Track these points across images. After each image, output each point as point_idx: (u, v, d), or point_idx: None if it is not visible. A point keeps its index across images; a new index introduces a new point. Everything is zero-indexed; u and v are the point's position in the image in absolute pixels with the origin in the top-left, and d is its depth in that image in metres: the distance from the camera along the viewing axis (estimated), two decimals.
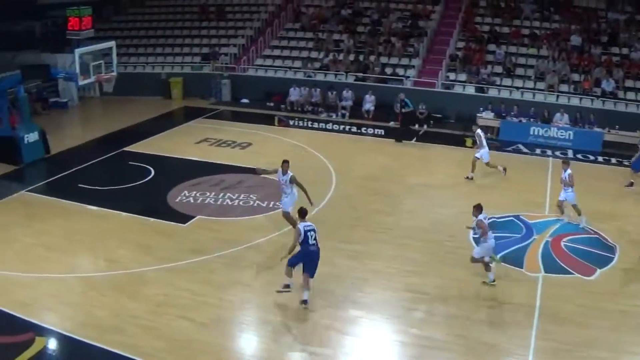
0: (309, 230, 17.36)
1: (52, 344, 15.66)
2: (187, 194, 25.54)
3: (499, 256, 19.21)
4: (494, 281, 18.64)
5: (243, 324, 16.83)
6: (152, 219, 23.31)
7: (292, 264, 17.40)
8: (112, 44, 31.05)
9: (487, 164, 27.81)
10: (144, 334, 15.91)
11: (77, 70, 28.31)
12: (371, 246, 21.14)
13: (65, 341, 15.69)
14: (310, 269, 17.35)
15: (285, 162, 21.09)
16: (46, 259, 19.98)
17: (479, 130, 28.13)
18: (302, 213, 17.97)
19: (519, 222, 23.14)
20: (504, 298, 17.91)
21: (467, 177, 27.52)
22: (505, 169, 27.97)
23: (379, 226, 22.80)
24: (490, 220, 22.74)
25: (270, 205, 24.26)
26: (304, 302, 17.19)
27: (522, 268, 19.68)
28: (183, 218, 23.39)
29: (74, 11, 29.07)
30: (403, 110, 34.90)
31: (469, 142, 32.57)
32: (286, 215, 21.45)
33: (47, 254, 20.35)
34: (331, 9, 47.02)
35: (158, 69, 44.62)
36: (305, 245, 17.30)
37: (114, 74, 30.89)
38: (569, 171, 22.93)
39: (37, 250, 20.63)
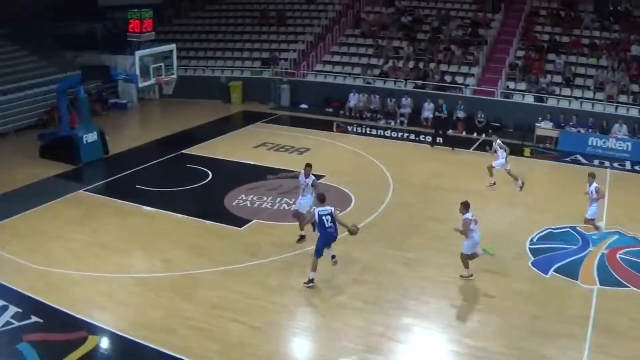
0: (324, 215, 18.24)
1: (104, 343, 15.96)
2: (244, 198, 25.73)
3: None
4: (471, 275, 19.30)
5: (295, 329, 16.86)
6: (208, 222, 23.51)
7: (317, 252, 18.32)
8: (172, 46, 31.46)
9: (490, 167, 27.62)
10: (196, 336, 16.06)
11: (137, 72, 28.68)
12: (426, 254, 21.05)
13: (118, 340, 15.95)
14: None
15: (308, 165, 21.31)
16: (101, 258, 20.31)
17: (499, 141, 27.92)
18: (322, 198, 19.00)
19: (575, 234, 22.81)
20: (559, 310, 17.69)
21: (520, 188, 27.26)
22: (494, 184, 27.75)
23: (434, 234, 22.67)
24: (547, 231, 22.60)
25: None
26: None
27: (577, 280, 19.39)
28: (239, 221, 23.55)
29: (135, 14, 29.43)
30: (439, 115, 35.09)
31: (527, 151, 32.28)
32: (298, 215, 21.55)
33: (102, 253, 20.69)
34: (391, 16, 46.91)
35: (218, 72, 45.09)
36: (322, 230, 18.21)
37: (174, 76, 31.19)
38: (594, 184, 22.41)
39: (92, 249, 21.00)
